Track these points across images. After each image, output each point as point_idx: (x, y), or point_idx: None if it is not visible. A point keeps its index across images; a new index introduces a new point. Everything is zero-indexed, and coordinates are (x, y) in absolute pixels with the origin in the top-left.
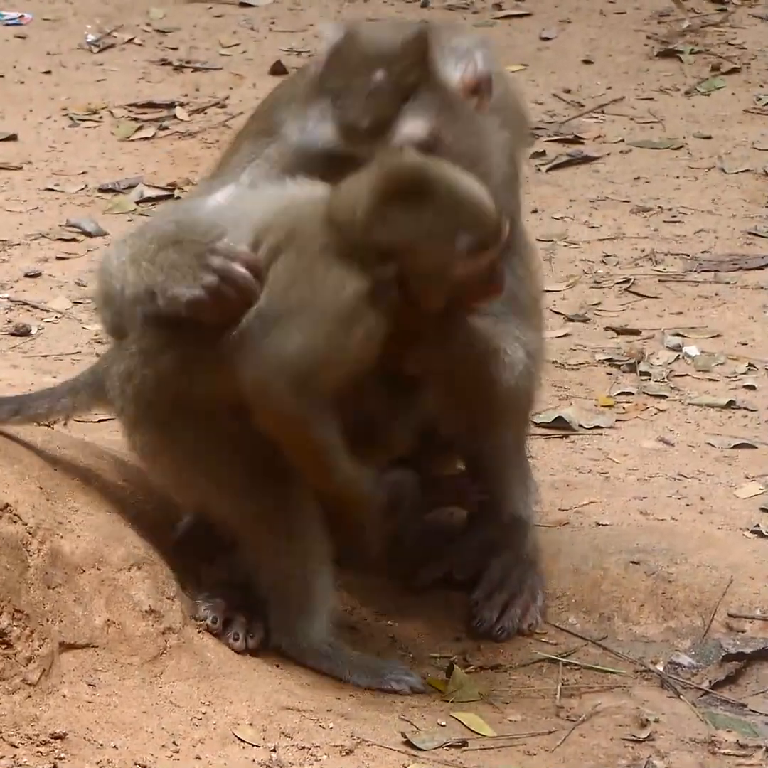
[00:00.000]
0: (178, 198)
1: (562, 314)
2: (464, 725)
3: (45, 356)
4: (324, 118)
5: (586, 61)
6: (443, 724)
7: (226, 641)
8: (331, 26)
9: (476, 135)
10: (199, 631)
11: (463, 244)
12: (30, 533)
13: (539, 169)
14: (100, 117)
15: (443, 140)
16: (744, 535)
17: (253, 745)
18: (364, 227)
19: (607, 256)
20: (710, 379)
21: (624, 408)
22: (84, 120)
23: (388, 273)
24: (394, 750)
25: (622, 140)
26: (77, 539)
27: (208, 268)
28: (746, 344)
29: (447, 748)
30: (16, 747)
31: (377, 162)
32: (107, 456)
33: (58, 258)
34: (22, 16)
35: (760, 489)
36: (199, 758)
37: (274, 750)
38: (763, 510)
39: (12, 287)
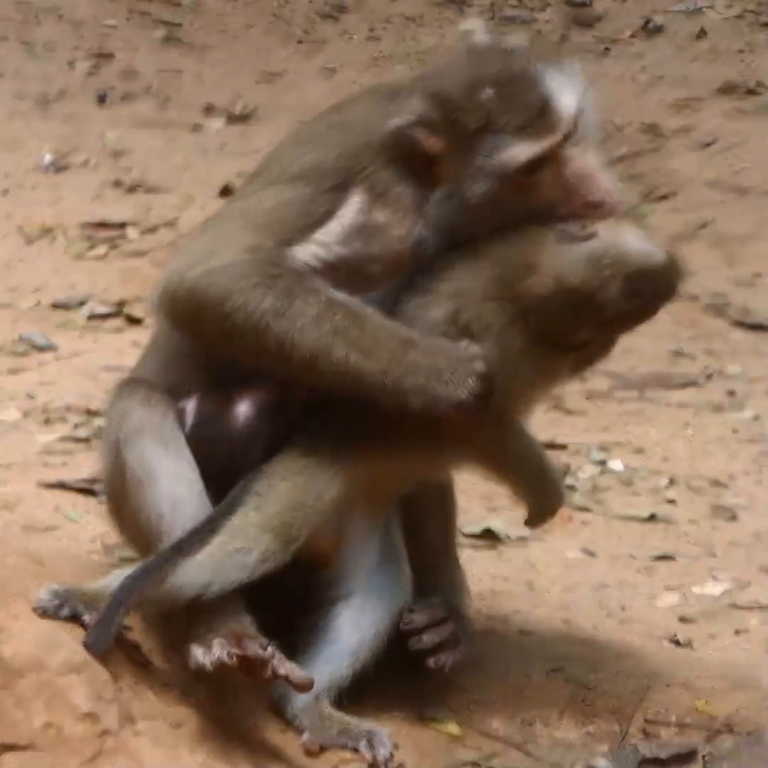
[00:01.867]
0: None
1: None
2: None
3: None
4: (502, 136)
5: None
6: None
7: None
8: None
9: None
10: (136, 734)
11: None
12: None
13: None
14: (54, 236)
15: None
16: (662, 643)
17: None
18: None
19: None
20: (633, 493)
21: None
22: (38, 238)
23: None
24: None
25: None
26: (18, 645)
27: (473, 373)
28: (668, 459)
29: None
30: None
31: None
32: (48, 563)
33: (10, 371)
34: None
35: (678, 599)
36: None
37: None
38: (681, 620)
39: None
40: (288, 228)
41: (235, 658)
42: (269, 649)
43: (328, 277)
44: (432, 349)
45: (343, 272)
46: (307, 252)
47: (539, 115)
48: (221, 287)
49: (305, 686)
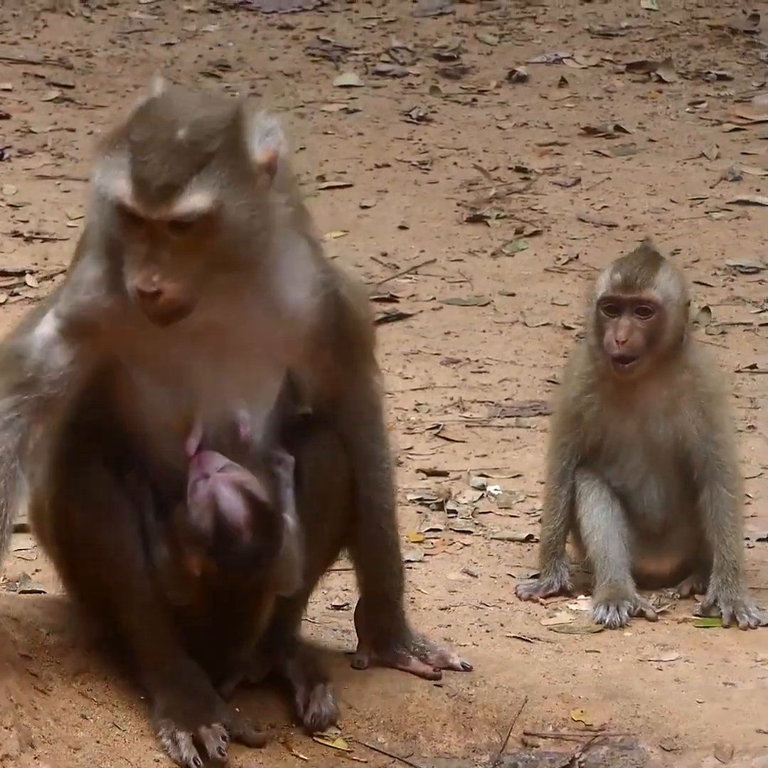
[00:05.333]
0: None
1: None
2: None
3: None
4: (122, 168)
5: (402, 227)
6: None
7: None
8: (158, 81)
9: (262, 210)
10: (36, 758)
11: None
12: None
13: None
14: None
15: (227, 214)
16: (539, 658)
17: None
18: None
19: (419, 404)
20: (511, 515)
21: (432, 543)
22: None
23: None
24: None
25: (434, 298)
26: None
27: None
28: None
29: None
30: None
31: None
32: None
33: None
34: None
35: (555, 615)
36: None
37: None
38: (557, 633)
39: None
40: None
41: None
42: (226, 754)
43: None
44: None
45: None
46: None
47: None
48: None
49: None
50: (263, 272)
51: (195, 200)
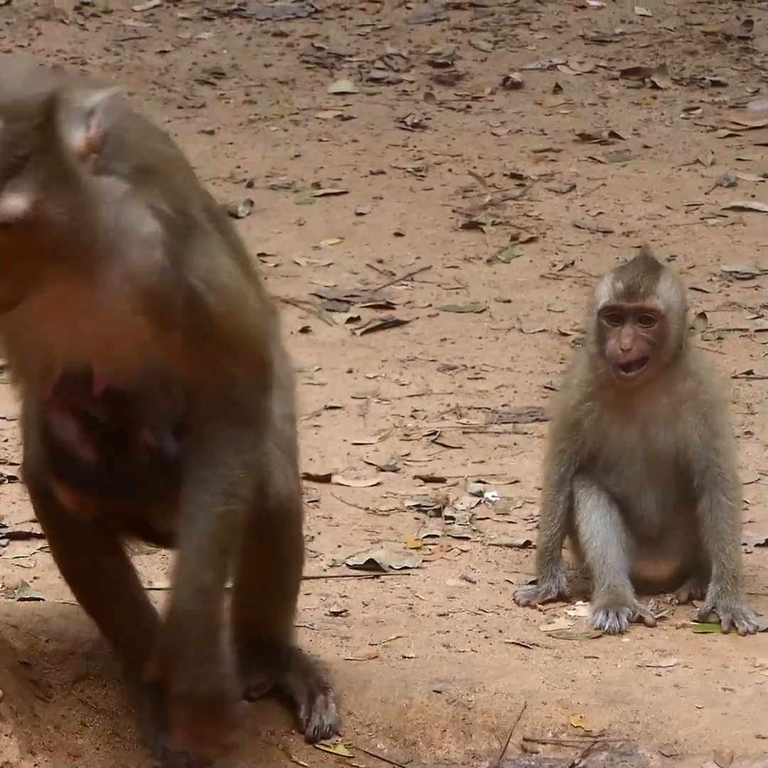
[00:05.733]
0: None
1: (374, 465)
2: None
3: None
4: None
5: (397, 234)
6: None
7: None
8: None
9: (88, 200)
10: (36, 765)
11: None
12: None
13: (354, 333)
14: None
15: (47, 214)
16: (538, 663)
17: None
18: None
19: (416, 410)
20: (509, 521)
21: (430, 549)
22: None
23: None
24: None
25: (430, 305)
26: None
27: None
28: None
29: None
30: None
31: None
32: None
33: None
34: None
35: (554, 620)
36: None
37: None
38: (556, 639)
39: None
40: None
41: None
42: None
43: None
44: None
45: None
46: None
47: None
48: None
49: None
50: (98, 256)
51: (11, 205)
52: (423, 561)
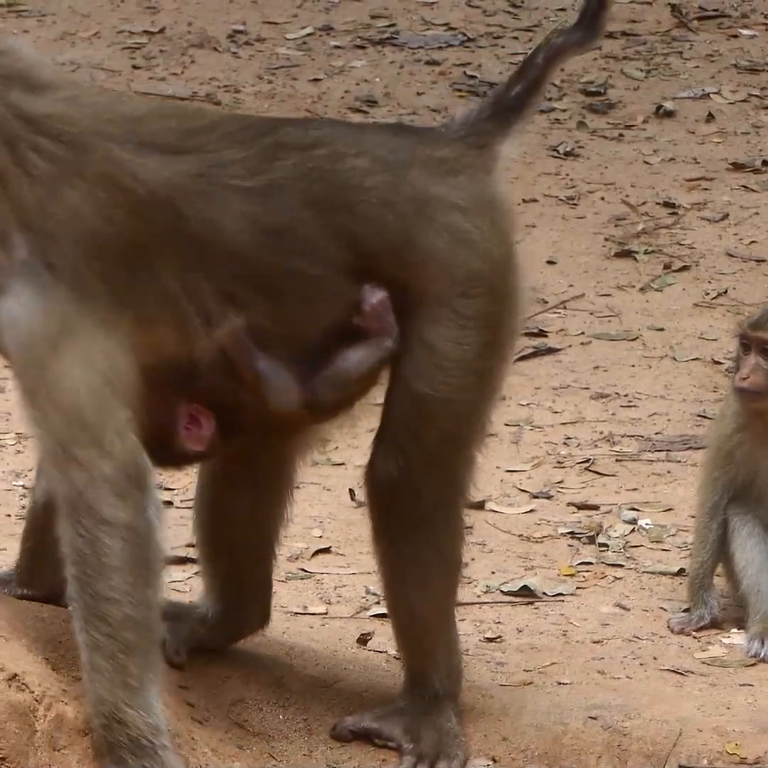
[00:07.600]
0: None
1: (527, 492)
2: None
3: None
4: None
5: (550, 262)
6: None
7: None
8: None
9: None
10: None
11: None
12: (37, 700)
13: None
14: None
15: None
16: (694, 691)
17: None
18: None
19: (569, 438)
20: (663, 549)
21: (584, 576)
22: None
23: None
24: None
25: (583, 333)
26: (80, 705)
27: None
28: (695, 516)
29: None
30: None
31: None
32: None
33: None
34: None
35: (708, 648)
36: None
37: None
38: (711, 667)
39: None
40: None
41: None
42: None
43: None
44: None
45: None
46: None
47: None
48: None
49: None
50: None
51: None
52: (577, 588)
